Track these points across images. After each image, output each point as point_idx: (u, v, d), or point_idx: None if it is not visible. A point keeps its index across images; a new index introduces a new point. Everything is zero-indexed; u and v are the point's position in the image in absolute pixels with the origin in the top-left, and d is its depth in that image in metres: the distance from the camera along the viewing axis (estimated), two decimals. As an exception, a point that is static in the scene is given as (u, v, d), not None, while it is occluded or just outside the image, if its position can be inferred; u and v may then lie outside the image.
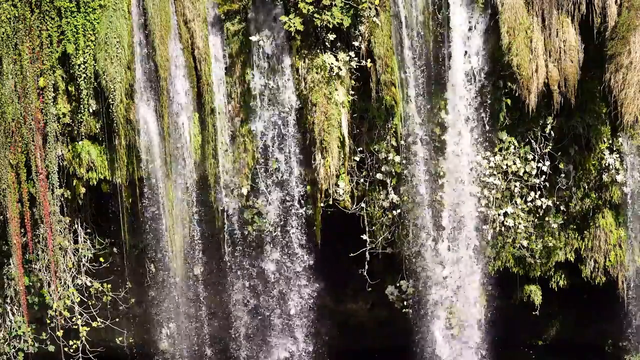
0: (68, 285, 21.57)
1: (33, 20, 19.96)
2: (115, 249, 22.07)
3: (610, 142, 21.12)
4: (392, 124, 20.77)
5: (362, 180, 21.42)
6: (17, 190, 20.62)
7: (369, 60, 20.26)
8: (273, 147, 20.70)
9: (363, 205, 21.57)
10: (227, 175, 20.89)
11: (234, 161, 20.86)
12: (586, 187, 21.51)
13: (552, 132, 21.10)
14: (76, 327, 21.76)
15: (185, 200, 20.97)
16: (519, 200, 21.45)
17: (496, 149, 21.11)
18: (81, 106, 20.32)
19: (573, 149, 21.30)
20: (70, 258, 21.58)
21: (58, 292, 21.37)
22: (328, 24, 19.68)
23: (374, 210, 21.58)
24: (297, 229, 21.20)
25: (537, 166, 21.26)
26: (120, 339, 22.64)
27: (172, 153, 20.55)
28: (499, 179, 21.20)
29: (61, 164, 20.74)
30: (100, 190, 21.21)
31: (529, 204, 21.51)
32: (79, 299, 21.75)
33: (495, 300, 22.35)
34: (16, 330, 21.72)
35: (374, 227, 21.73)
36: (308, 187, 20.98)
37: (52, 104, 20.28)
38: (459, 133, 20.71)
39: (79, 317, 21.79)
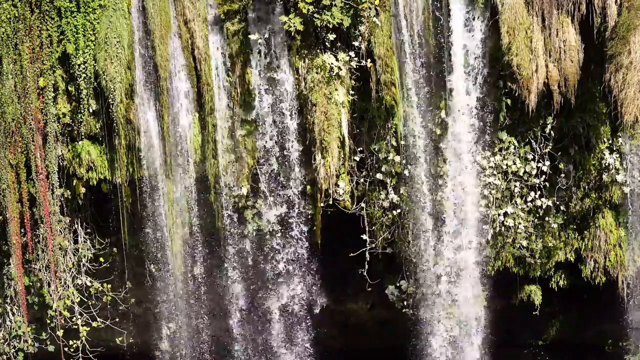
0: (68, 285, 21.57)
1: (33, 20, 19.96)
2: (115, 249, 22.08)
3: (610, 142, 21.11)
4: (392, 124, 20.77)
5: (362, 180, 21.41)
6: (17, 190, 20.62)
7: (369, 60, 20.25)
8: (273, 147, 20.70)
9: (363, 205, 21.56)
10: (227, 175, 20.89)
11: (234, 161, 20.86)
12: (586, 187, 21.51)
13: (552, 132, 21.10)
14: (76, 327, 21.76)
15: (185, 200, 20.96)
16: (519, 200, 21.45)
17: (496, 149, 21.10)
18: (81, 106, 20.33)
19: (573, 149, 21.30)
20: (70, 258, 21.58)
21: (58, 292, 21.37)
22: (328, 24, 19.69)
23: (374, 210, 21.57)
24: (297, 229, 21.19)
25: (537, 166, 21.25)
26: (120, 339, 22.63)
27: (172, 153, 20.55)
28: (499, 179, 21.20)
29: (61, 164, 20.74)
30: (100, 190, 21.22)
31: (529, 204, 21.50)
32: (79, 298, 21.75)
33: (495, 300, 22.35)
34: (16, 330, 21.71)
35: (374, 227, 21.72)
36: (308, 187, 20.98)
37: (52, 104, 20.28)
38: (459, 133, 20.72)
39: (79, 317, 21.80)
